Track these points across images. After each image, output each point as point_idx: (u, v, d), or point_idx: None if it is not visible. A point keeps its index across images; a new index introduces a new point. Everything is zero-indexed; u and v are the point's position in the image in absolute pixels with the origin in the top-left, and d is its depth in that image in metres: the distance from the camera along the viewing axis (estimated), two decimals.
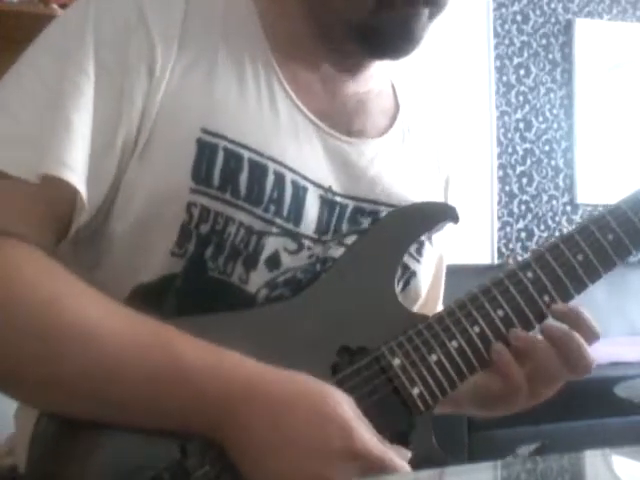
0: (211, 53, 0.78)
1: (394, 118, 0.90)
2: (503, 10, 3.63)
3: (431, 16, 0.80)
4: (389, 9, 0.77)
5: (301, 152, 0.80)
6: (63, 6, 2.00)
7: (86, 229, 0.75)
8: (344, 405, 0.67)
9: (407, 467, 0.68)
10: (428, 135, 0.95)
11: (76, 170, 0.71)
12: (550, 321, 0.80)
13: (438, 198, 0.93)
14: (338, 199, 0.81)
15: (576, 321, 0.79)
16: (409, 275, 0.86)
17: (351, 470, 0.65)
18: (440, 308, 0.97)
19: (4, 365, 0.67)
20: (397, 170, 0.87)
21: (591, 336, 0.79)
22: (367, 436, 0.66)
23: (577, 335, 0.78)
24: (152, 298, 0.75)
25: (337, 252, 0.80)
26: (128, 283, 0.76)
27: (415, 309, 0.88)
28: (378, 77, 0.90)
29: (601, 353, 2.89)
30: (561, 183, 3.70)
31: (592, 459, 0.66)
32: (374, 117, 0.88)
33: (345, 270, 0.78)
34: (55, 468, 0.67)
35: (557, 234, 3.62)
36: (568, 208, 3.71)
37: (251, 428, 0.65)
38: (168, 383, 0.66)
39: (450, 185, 0.96)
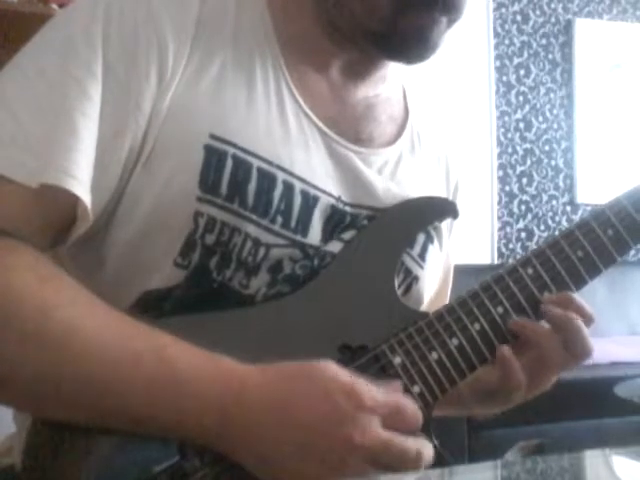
0: (221, 54, 0.77)
1: (403, 126, 0.90)
2: (503, 10, 3.63)
3: (449, 23, 0.79)
4: (405, 17, 0.76)
5: (310, 161, 0.78)
6: (62, 6, 2.00)
7: (84, 235, 0.73)
8: (339, 371, 0.66)
9: (417, 410, 0.68)
10: (437, 140, 0.94)
11: (80, 180, 0.69)
12: None
13: None
14: (348, 209, 0.80)
15: (569, 307, 0.78)
16: (411, 280, 0.85)
17: (372, 423, 0.64)
18: None
19: None
20: (406, 179, 0.86)
21: (586, 320, 0.79)
22: (372, 389, 0.66)
23: (576, 317, 0.78)
24: (153, 306, 0.74)
25: (335, 247, 0.79)
26: (129, 291, 0.74)
27: None
28: (390, 80, 0.89)
29: (601, 353, 2.91)
30: (561, 183, 3.70)
31: (592, 459, 0.66)
32: (383, 125, 0.87)
33: (344, 267, 0.78)
34: (50, 469, 0.66)
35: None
36: (568, 208, 3.71)
37: (255, 427, 0.64)
38: (163, 391, 0.65)
39: (459, 190, 0.96)
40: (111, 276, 0.75)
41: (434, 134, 0.94)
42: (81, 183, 0.69)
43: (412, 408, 0.68)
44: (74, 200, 0.70)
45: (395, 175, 0.85)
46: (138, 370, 0.65)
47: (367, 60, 0.84)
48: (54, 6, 2.06)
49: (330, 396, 0.64)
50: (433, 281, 0.90)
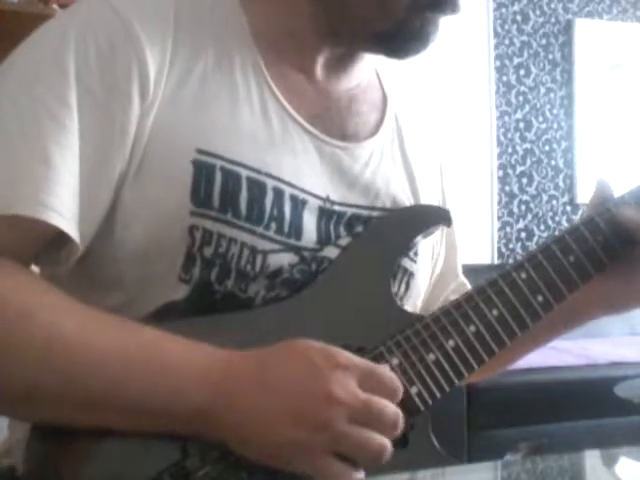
0: (201, 62, 0.76)
1: (384, 111, 0.90)
2: (503, 10, 3.63)
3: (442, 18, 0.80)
4: (417, 18, 0.78)
5: (297, 164, 0.79)
6: (63, 6, 2.00)
7: (85, 258, 0.73)
8: (314, 341, 0.68)
9: (394, 377, 0.69)
10: (418, 121, 0.95)
11: (58, 209, 0.68)
12: None
13: (433, 188, 0.93)
14: (336, 208, 0.81)
15: None
16: (408, 277, 0.86)
17: (350, 381, 0.66)
18: (461, 278, 1.01)
19: None
20: (390, 167, 0.87)
21: None
22: (346, 352, 0.68)
23: None
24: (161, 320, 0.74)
25: (332, 252, 0.79)
26: (145, 308, 0.74)
27: (418, 305, 0.89)
28: (366, 67, 0.90)
29: (601, 353, 2.91)
30: (561, 183, 3.70)
31: (592, 459, 0.66)
32: (366, 115, 0.87)
33: (341, 271, 0.79)
34: (53, 471, 0.67)
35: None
36: (568, 208, 3.71)
37: (241, 396, 0.66)
38: (150, 375, 0.66)
39: (444, 171, 0.97)
40: (127, 293, 0.75)
41: (413, 113, 0.94)
42: (59, 213, 0.68)
43: (389, 374, 0.69)
44: (50, 228, 0.69)
45: (380, 166, 0.86)
46: (124, 359, 0.66)
47: (350, 54, 0.85)
48: (54, 6, 2.06)
49: (308, 358, 0.66)
50: (426, 270, 0.91)
